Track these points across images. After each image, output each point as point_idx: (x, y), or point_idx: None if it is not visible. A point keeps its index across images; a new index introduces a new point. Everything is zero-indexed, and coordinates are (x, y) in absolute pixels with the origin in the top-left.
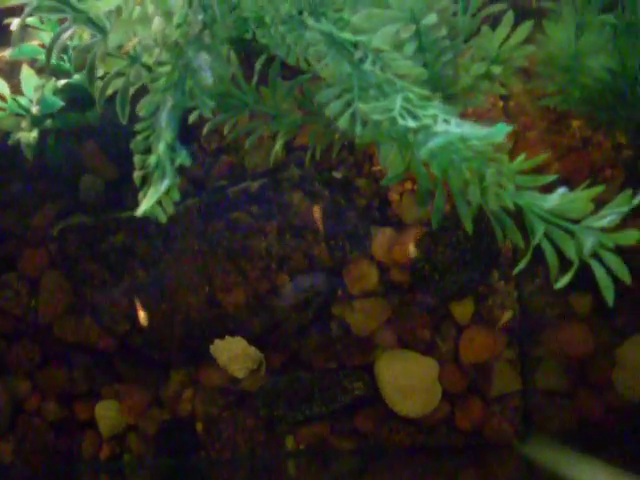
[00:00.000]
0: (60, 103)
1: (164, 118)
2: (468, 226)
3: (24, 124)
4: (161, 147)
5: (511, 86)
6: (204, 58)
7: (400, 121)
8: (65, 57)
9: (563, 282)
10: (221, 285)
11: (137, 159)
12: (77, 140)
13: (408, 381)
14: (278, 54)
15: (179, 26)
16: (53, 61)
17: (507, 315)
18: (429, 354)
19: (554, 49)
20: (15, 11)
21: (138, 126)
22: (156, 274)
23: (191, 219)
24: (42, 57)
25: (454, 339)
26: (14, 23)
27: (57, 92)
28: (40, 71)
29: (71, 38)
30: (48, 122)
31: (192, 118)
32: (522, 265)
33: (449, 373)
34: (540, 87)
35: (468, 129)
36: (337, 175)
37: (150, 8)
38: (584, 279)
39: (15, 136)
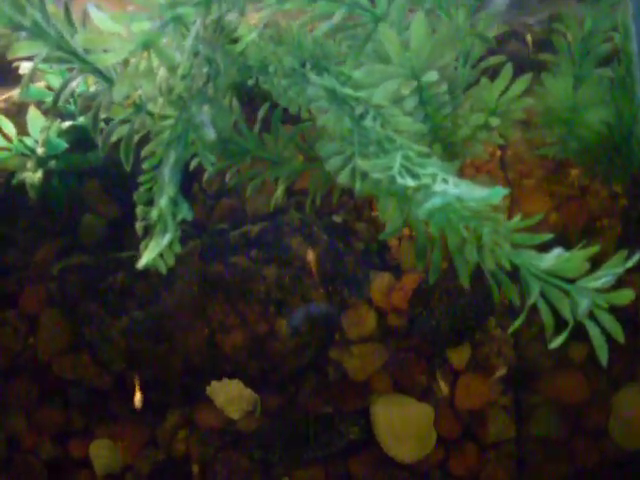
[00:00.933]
0: (64, 145)
1: (167, 173)
2: (465, 281)
3: (29, 164)
4: (163, 201)
5: (509, 136)
6: (207, 114)
7: (399, 180)
8: (71, 100)
9: (557, 342)
10: (219, 327)
11: (139, 210)
12: (79, 180)
13: (403, 426)
14: (280, 102)
15: (183, 79)
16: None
17: (503, 362)
18: (425, 399)
19: (553, 101)
20: None
21: (141, 178)
22: (155, 314)
23: (191, 261)
24: (49, 99)
25: (450, 385)
26: (23, 66)
27: (62, 134)
28: (46, 112)
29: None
30: (52, 163)
31: (193, 164)
32: (518, 324)
33: (444, 419)
34: (538, 137)
35: (465, 190)
36: (337, 219)
37: (155, 62)
38: (579, 329)
39: (20, 176)
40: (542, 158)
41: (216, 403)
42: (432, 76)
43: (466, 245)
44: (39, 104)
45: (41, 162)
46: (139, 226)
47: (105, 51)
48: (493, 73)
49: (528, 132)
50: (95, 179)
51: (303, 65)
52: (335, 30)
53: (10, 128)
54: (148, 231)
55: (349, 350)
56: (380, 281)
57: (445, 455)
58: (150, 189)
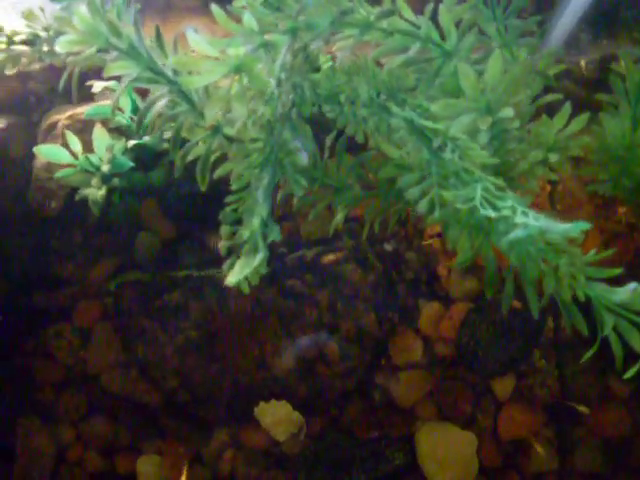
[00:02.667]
0: (130, 164)
1: (260, 195)
2: (535, 313)
3: (94, 181)
4: (255, 222)
5: (562, 172)
6: (300, 139)
7: (481, 211)
8: (134, 118)
9: (630, 373)
10: (271, 349)
11: (225, 229)
12: (137, 198)
13: (447, 453)
14: (345, 131)
15: (269, 103)
16: (126, 122)
17: (547, 394)
18: (469, 428)
19: (609, 140)
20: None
21: (228, 198)
22: (208, 334)
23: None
24: (116, 118)
25: (494, 415)
26: (96, 85)
27: (125, 152)
28: (110, 130)
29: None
30: (115, 181)
31: None
32: (589, 354)
33: (487, 448)
34: (589, 173)
35: (546, 223)
36: (388, 247)
37: (246, 86)
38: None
39: (83, 192)
40: (591, 194)
41: (263, 424)
42: (508, 112)
43: (544, 277)
44: (104, 122)
45: (105, 179)
46: (223, 245)
47: (196, 74)
48: (547, 110)
49: (579, 168)
50: (152, 198)
51: (378, 95)
52: (407, 63)
53: (76, 145)
54: (232, 251)
55: (395, 376)
56: (429, 310)
57: None
58: (236, 210)
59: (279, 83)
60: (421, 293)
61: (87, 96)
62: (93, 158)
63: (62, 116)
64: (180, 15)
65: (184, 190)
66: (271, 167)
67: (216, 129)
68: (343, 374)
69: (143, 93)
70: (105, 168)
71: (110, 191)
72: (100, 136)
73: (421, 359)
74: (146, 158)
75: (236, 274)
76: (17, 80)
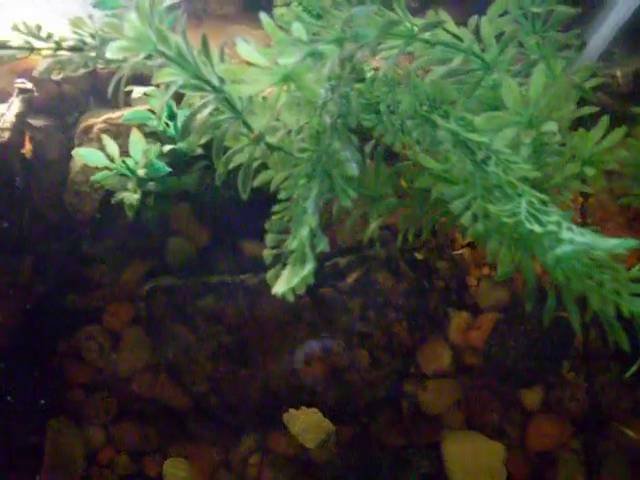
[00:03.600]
0: (167, 169)
1: (310, 204)
2: (577, 329)
3: (130, 185)
4: (304, 232)
5: (596, 185)
6: (349, 150)
7: (527, 225)
8: (170, 124)
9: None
10: (302, 356)
11: (270, 238)
12: (170, 203)
13: (474, 463)
14: (385, 140)
15: (318, 113)
16: (161, 127)
17: (575, 406)
18: (496, 438)
19: None
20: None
21: (275, 207)
22: (240, 340)
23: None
24: (152, 122)
25: (521, 425)
26: (136, 91)
27: (160, 156)
28: (146, 135)
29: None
30: (151, 185)
31: None
32: (634, 369)
33: (515, 458)
34: (623, 186)
35: (592, 239)
36: (419, 256)
37: (296, 96)
38: None
39: (119, 196)
40: (623, 207)
41: (291, 430)
42: (551, 126)
43: (589, 293)
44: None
45: (141, 183)
46: (268, 254)
47: (243, 82)
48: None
49: (611, 181)
50: (186, 203)
51: (421, 105)
52: (448, 75)
53: (113, 148)
54: (278, 259)
55: (424, 384)
56: (458, 319)
57: None
58: (282, 218)
59: (329, 93)
60: (451, 302)
61: (122, 100)
62: (129, 162)
63: (98, 120)
64: (215, 22)
65: (218, 195)
66: (320, 177)
67: (259, 137)
68: (373, 382)
69: (177, 99)
70: (141, 172)
71: (144, 195)
72: (137, 140)
73: (449, 368)
74: (179, 163)
75: (283, 283)
76: (53, 83)
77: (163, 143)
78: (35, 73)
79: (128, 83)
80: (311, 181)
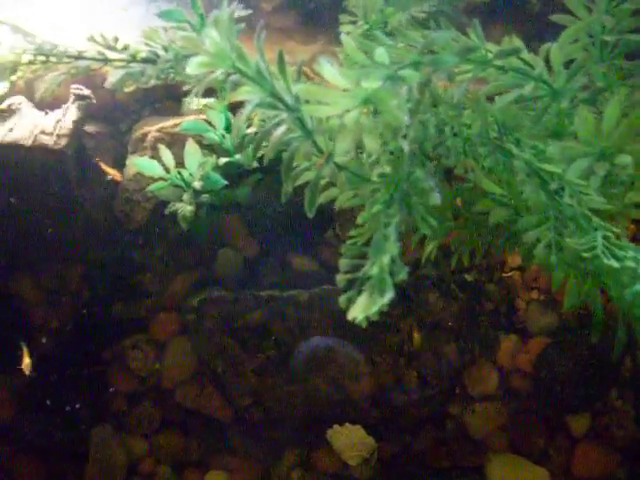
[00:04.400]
0: (223, 182)
1: (392, 232)
2: None
3: (186, 197)
4: (385, 260)
5: None
6: (432, 178)
7: (605, 260)
8: (227, 136)
9: None
10: (349, 373)
11: (345, 263)
12: (222, 215)
13: None
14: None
15: (401, 139)
16: (218, 140)
17: (622, 434)
18: (541, 463)
19: None
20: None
21: (353, 232)
22: (288, 355)
23: (328, 305)
24: (208, 135)
25: (567, 451)
26: (194, 102)
27: (215, 169)
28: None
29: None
30: (205, 197)
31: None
32: None
33: None
34: None
35: None
36: (469, 278)
37: (377, 121)
38: None
39: (172, 206)
40: None
41: (334, 447)
42: (625, 159)
43: None
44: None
45: (195, 195)
46: (342, 278)
47: (320, 103)
48: None
49: None
50: (236, 215)
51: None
52: (517, 101)
53: (169, 159)
54: (352, 284)
55: (470, 407)
56: (507, 342)
57: None
58: (355, 243)
59: (409, 118)
60: (499, 325)
61: (173, 109)
62: (185, 173)
63: (152, 128)
64: (273, 35)
65: (270, 209)
66: (399, 204)
67: (329, 157)
68: (419, 402)
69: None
70: (197, 185)
71: (197, 206)
72: (192, 152)
73: (496, 391)
74: (233, 175)
75: (359, 310)
76: (106, 90)
77: (217, 155)
78: (107, 84)
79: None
80: (390, 207)
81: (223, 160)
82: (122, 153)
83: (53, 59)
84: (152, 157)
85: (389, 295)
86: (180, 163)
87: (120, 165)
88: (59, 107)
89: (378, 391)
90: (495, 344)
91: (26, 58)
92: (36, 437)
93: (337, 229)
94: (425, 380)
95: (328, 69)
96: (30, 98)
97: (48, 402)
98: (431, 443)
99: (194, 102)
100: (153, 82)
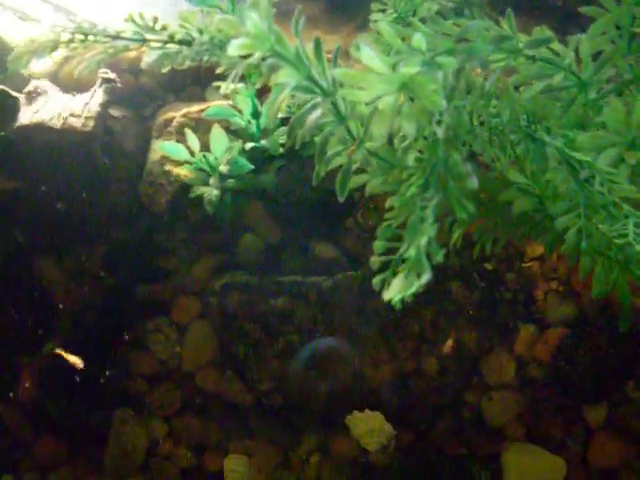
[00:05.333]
0: (250, 166)
1: (430, 214)
2: None
3: (212, 181)
4: (422, 241)
5: None
6: (471, 164)
7: (637, 247)
8: (254, 122)
9: None
10: (370, 360)
11: (379, 245)
12: (245, 200)
13: (534, 476)
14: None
15: (439, 124)
16: (244, 125)
17: (639, 425)
18: (557, 453)
19: None
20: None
21: (389, 214)
22: (310, 341)
23: (350, 292)
24: (235, 120)
25: (584, 441)
26: (224, 87)
27: (241, 154)
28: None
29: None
30: (231, 181)
31: None
32: None
33: (575, 474)
34: None
35: None
36: (488, 267)
37: (415, 105)
38: None
39: (197, 190)
40: None
41: (353, 433)
42: None
43: None
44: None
45: (221, 179)
46: (376, 260)
47: (357, 88)
48: None
49: None
50: (260, 201)
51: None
52: (544, 91)
53: (195, 143)
54: (386, 267)
55: (487, 395)
56: (525, 332)
57: None
58: (389, 225)
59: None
60: (518, 315)
61: (197, 94)
62: (210, 157)
63: (177, 114)
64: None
65: (293, 196)
66: (435, 188)
67: (360, 142)
68: (439, 389)
69: None
70: (224, 169)
71: (223, 191)
72: (219, 136)
73: (513, 380)
74: (258, 161)
75: (395, 291)
76: (130, 74)
77: (242, 140)
78: (143, 65)
79: (207, 78)
80: (426, 191)
81: (249, 145)
82: (146, 138)
83: (91, 38)
84: (177, 142)
85: (426, 276)
86: (206, 148)
87: (144, 149)
88: (82, 91)
89: (398, 378)
90: (513, 333)
91: (65, 37)
92: (58, 418)
93: (358, 217)
94: (445, 367)
95: (367, 53)
96: (53, 81)
97: (71, 384)
98: (448, 431)
99: (224, 87)
100: (188, 63)
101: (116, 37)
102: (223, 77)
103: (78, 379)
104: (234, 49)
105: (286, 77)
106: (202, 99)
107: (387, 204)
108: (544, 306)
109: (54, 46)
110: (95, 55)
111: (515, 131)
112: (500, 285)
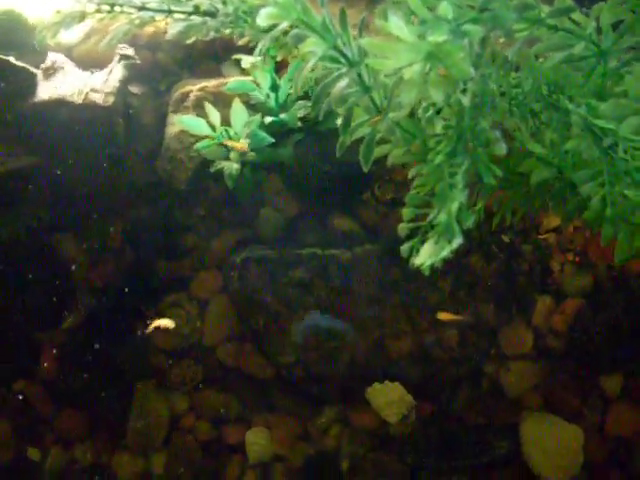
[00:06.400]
0: (270, 140)
1: (460, 180)
2: None
3: (233, 155)
4: (454, 207)
5: None
6: (497, 129)
7: None
8: (272, 96)
9: None
10: (390, 332)
11: (408, 212)
12: (264, 174)
13: (553, 445)
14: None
15: (467, 91)
16: (262, 98)
17: None
18: (574, 422)
19: None
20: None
21: (416, 182)
22: (330, 313)
23: (369, 264)
24: (254, 94)
25: (600, 411)
26: (244, 60)
27: (260, 127)
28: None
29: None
30: (251, 155)
31: None
32: None
33: (592, 442)
34: None
35: None
36: (505, 239)
37: (442, 72)
38: None
39: (218, 165)
40: None
41: (373, 405)
42: None
43: None
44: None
45: (241, 153)
46: (404, 227)
47: (382, 57)
48: None
49: None
50: (277, 175)
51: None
52: (565, 61)
53: (215, 117)
54: (414, 233)
55: (505, 366)
56: (542, 303)
57: (589, 479)
58: (419, 192)
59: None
60: (535, 286)
61: (213, 69)
62: (230, 131)
63: (194, 87)
64: None
65: (311, 170)
66: (463, 155)
67: (385, 112)
68: (459, 360)
69: None
70: (244, 142)
71: (243, 165)
72: (239, 111)
73: (531, 350)
74: (277, 134)
75: (425, 257)
76: (147, 50)
77: (261, 114)
78: (168, 36)
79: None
80: (454, 158)
81: (268, 119)
82: (162, 112)
83: (117, 9)
84: (195, 116)
85: (457, 241)
86: (223, 122)
87: (161, 124)
88: (97, 67)
89: (419, 349)
90: (531, 304)
91: (91, 8)
92: (80, 392)
93: (375, 189)
94: (464, 338)
95: (395, 22)
96: (68, 56)
97: (92, 358)
98: (468, 401)
99: (245, 60)
100: (212, 34)
101: (142, 8)
102: (241, 51)
103: (100, 354)
104: (262, 18)
105: (313, 46)
106: (218, 74)
107: (410, 173)
108: (560, 277)
109: (81, 16)
110: (120, 26)
111: (538, 100)
112: (517, 257)
